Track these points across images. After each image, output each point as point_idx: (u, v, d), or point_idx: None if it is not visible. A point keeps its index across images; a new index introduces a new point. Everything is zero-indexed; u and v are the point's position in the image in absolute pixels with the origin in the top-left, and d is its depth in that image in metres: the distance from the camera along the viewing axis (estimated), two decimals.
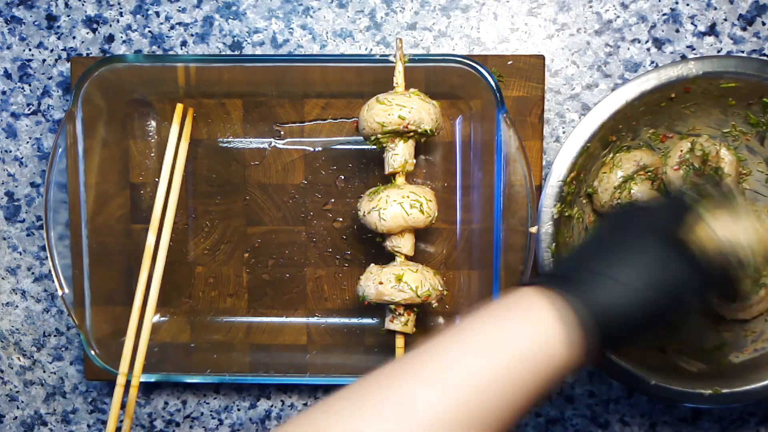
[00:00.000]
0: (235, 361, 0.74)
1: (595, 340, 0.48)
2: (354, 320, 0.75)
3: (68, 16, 0.76)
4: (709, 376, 0.67)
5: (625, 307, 0.49)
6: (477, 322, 0.49)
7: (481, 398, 0.45)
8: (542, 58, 0.70)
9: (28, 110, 0.77)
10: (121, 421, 0.73)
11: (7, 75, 0.77)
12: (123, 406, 0.70)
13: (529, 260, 0.64)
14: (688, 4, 0.72)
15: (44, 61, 0.76)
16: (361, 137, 0.66)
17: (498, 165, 0.64)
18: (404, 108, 0.62)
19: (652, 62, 0.72)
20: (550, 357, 0.47)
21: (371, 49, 0.74)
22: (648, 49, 0.72)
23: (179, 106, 0.71)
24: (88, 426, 0.80)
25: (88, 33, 0.76)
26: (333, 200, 0.74)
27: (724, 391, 0.65)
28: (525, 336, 0.47)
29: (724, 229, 0.53)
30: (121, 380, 0.69)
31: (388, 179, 0.67)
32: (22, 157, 0.77)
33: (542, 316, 0.48)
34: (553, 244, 0.67)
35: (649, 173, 0.70)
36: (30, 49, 0.76)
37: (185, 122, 0.72)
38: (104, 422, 0.80)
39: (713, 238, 0.53)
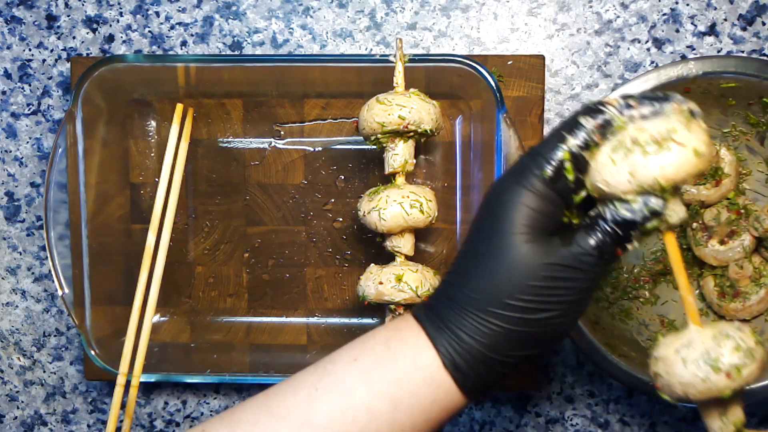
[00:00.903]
0: (235, 361, 0.74)
1: (465, 380, 0.45)
2: (354, 320, 0.75)
3: (68, 16, 0.76)
4: None
5: (484, 346, 0.44)
6: (349, 354, 0.47)
7: None
8: (542, 58, 0.70)
9: (28, 110, 0.77)
10: (121, 421, 0.73)
11: (7, 75, 0.77)
12: (123, 406, 0.70)
13: None
14: (688, 4, 0.72)
15: (44, 61, 0.76)
16: (361, 137, 0.66)
17: (498, 165, 0.64)
18: (404, 108, 0.62)
19: (652, 62, 0.72)
20: (425, 397, 0.45)
21: (371, 49, 0.74)
22: (648, 49, 0.72)
23: (179, 106, 0.71)
24: (88, 426, 0.80)
25: (88, 33, 0.76)
26: (333, 200, 0.74)
27: None
28: (400, 373, 0.45)
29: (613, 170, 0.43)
30: (121, 380, 0.69)
31: (388, 179, 0.67)
32: (22, 157, 0.77)
33: (415, 354, 0.45)
34: None
35: None
36: (30, 49, 0.76)
37: (185, 122, 0.72)
38: (104, 422, 0.80)
39: (601, 188, 0.43)
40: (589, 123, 0.44)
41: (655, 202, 0.43)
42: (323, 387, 0.46)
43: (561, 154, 0.44)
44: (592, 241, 0.44)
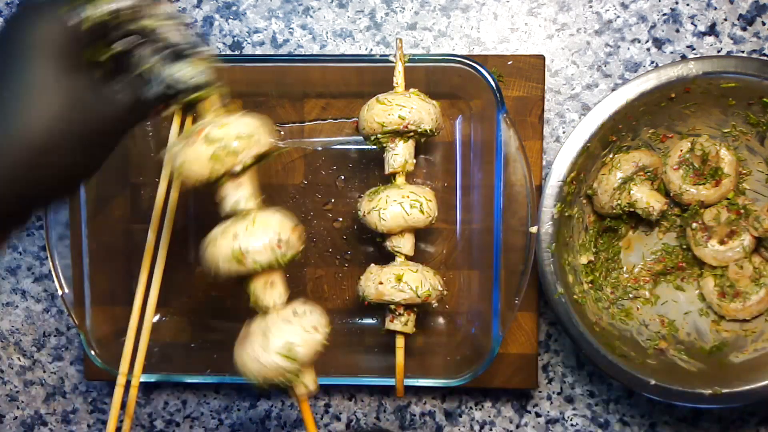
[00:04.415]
0: None
1: None
2: (354, 320, 0.75)
3: None
4: (709, 376, 0.67)
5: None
6: None
7: None
8: (542, 58, 0.70)
9: None
10: (121, 421, 0.73)
11: None
12: (123, 406, 0.70)
13: (529, 260, 0.64)
14: (688, 4, 0.72)
15: None
16: (361, 137, 0.66)
17: (498, 165, 0.64)
18: (404, 108, 0.62)
19: (652, 62, 0.72)
20: None
21: (371, 49, 0.74)
22: (648, 49, 0.72)
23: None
24: (88, 426, 0.80)
25: None
26: (333, 200, 0.74)
27: (724, 391, 0.65)
28: None
29: None
30: (121, 380, 0.69)
31: (388, 179, 0.67)
32: None
33: None
34: (553, 244, 0.67)
35: (649, 174, 0.70)
36: None
37: (185, 122, 0.72)
38: (104, 422, 0.80)
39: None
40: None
41: (205, 77, 0.49)
42: None
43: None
44: (140, 91, 0.46)
